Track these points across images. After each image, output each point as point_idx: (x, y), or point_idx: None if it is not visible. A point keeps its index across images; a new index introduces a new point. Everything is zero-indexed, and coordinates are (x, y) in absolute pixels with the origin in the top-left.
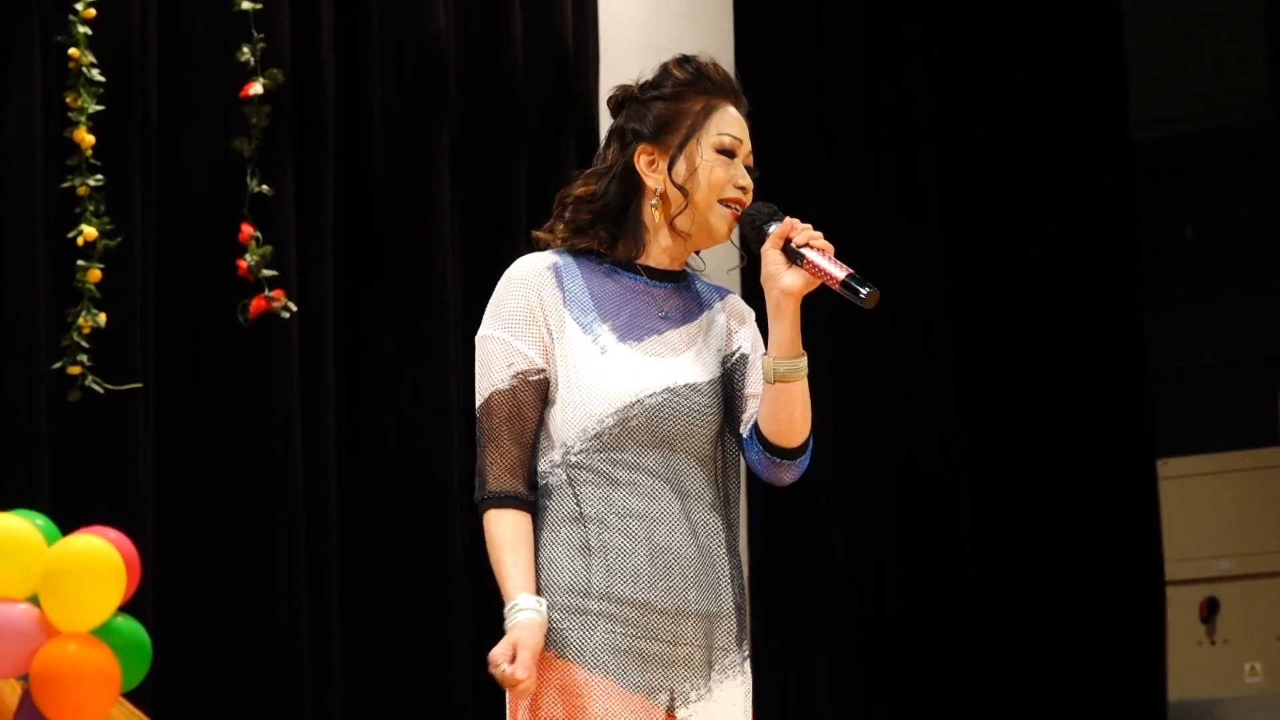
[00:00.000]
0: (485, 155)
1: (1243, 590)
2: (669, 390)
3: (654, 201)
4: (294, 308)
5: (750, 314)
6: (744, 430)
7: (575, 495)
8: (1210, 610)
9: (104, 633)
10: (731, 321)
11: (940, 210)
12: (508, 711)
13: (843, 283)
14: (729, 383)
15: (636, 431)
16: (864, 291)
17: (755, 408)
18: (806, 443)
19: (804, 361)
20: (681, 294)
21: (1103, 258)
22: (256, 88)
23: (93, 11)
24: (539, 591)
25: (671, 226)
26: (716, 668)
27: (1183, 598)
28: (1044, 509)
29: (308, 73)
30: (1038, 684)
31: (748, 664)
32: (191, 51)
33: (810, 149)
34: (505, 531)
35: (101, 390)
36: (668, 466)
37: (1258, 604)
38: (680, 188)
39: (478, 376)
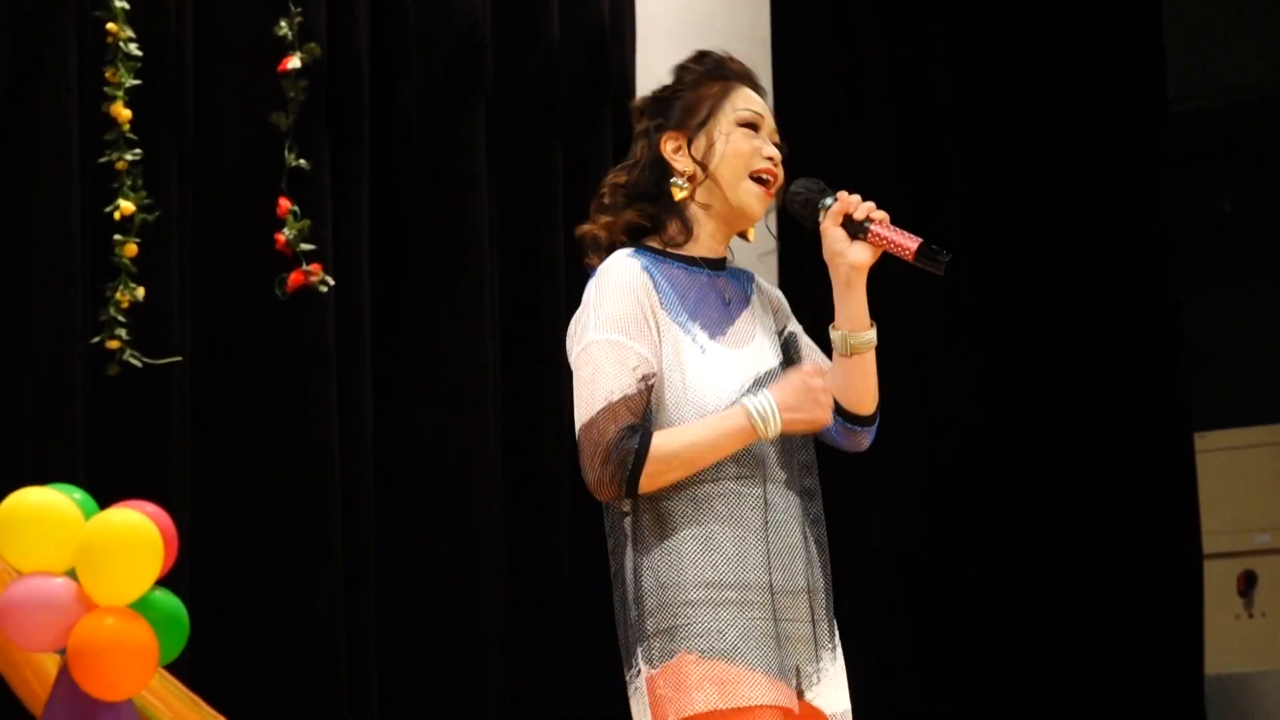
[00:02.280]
0: (521, 131)
1: None
2: (758, 381)
3: (680, 181)
4: (331, 281)
5: (779, 293)
6: None
7: (691, 494)
8: (1248, 583)
9: (141, 606)
10: (771, 300)
11: (978, 186)
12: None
13: (917, 253)
14: (786, 361)
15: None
16: (942, 257)
17: None
18: (878, 408)
19: (874, 333)
20: (730, 281)
21: (1140, 233)
22: (294, 62)
23: None
24: (663, 588)
25: (706, 208)
26: (822, 642)
27: (1220, 571)
28: (1082, 483)
29: (344, 47)
30: (1076, 658)
31: (838, 639)
32: (228, 26)
33: (842, 129)
34: (674, 430)
35: (139, 364)
36: (766, 451)
37: None
38: (701, 163)
39: (591, 381)
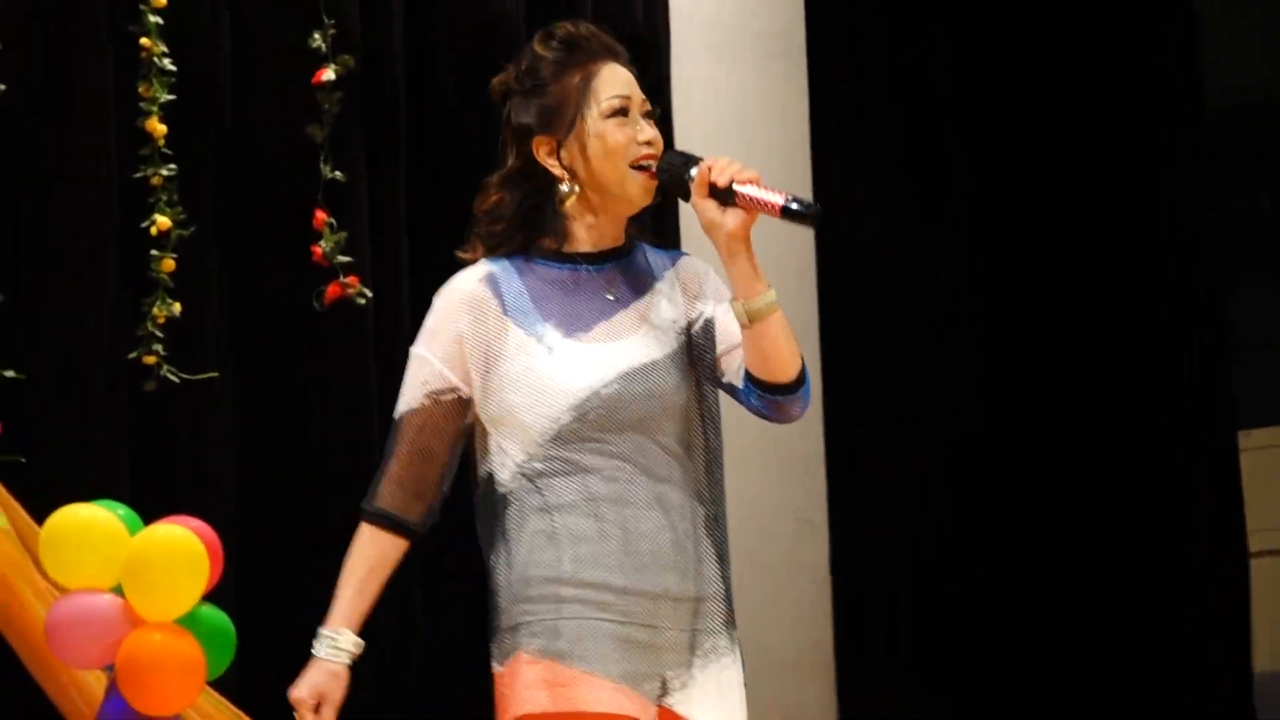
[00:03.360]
0: None
1: None
2: (624, 376)
3: (566, 187)
4: (369, 293)
5: (707, 270)
6: (737, 381)
7: (540, 489)
8: None
9: (188, 621)
10: (688, 283)
11: (1011, 187)
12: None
13: (783, 209)
14: (699, 348)
15: (597, 423)
16: (809, 211)
17: (738, 358)
18: (802, 373)
19: (772, 294)
20: (627, 271)
21: (1182, 229)
22: (328, 74)
23: (163, 1)
24: (511, 584)
25: (590, 206)
26: (698, 652)
27: (1267, 569)
28: (1126, 481)
29: (379, 58)
30: (1125, 658)
31: (737, 646)
32: (262, 39)
33: (884, 123)
34: (368, 553)
35: (177, 380)
36: (637, 450)
37: None
38: (574, 169)
39: (401, 389)
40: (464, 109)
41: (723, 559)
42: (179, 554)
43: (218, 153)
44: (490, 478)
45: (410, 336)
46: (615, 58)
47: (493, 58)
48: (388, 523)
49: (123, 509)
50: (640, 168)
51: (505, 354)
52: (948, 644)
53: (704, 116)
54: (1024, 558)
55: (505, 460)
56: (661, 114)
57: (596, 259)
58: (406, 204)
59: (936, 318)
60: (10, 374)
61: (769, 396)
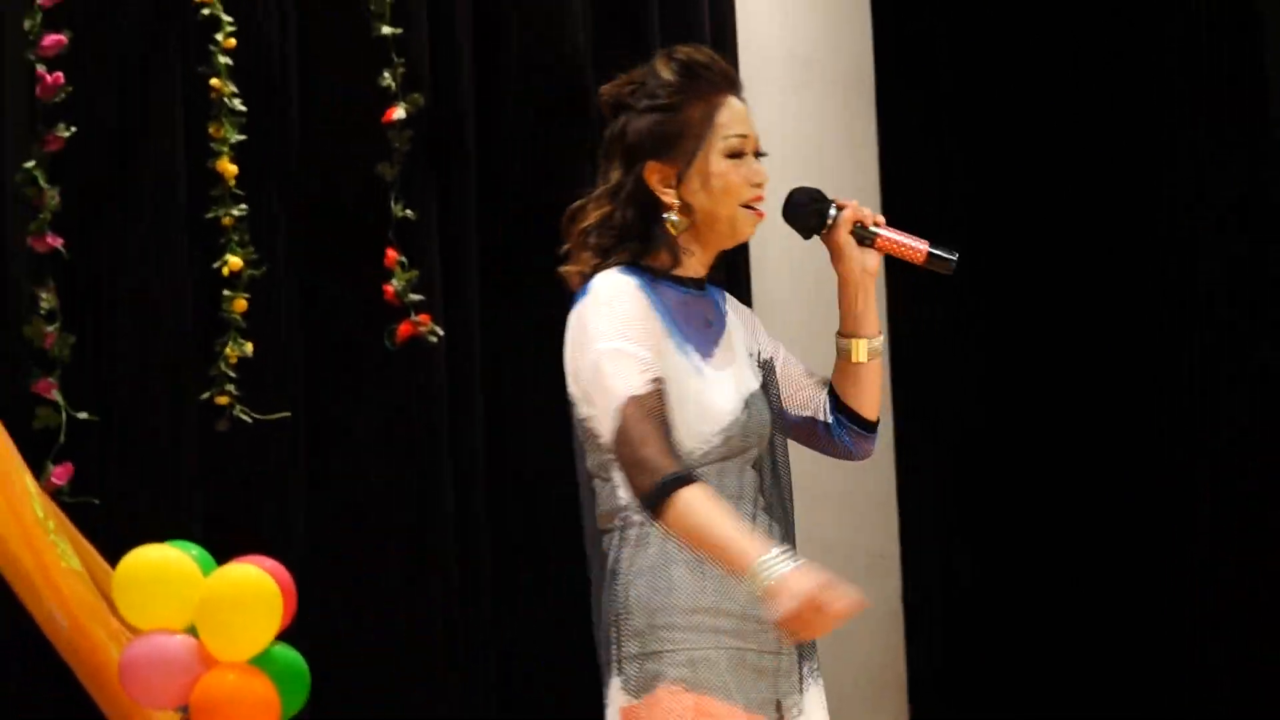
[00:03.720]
0: None
1: None
2: (746, 402)
3: (674, 218)
4: (441, 332)
5: (751, 311)
6: (823, 416)
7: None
8: None
9: (262, 661)
10: (746, 318)
11: (1085, 215)
12: None
13: (929, 255)
14: (769, 380)
15: (729, 448)
16: (952, 258)
17: (819, 393)
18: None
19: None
20: (711, 301)
21: (1235, 316)
22: (399, 112)
23: (233, 41)
24: (647, 610)
25: (697, 236)
26: (806, 675)
27: None
28: (1179, 569)
29: (448, 96)
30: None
31: (818, 671)
32: (332, 78)
33: (954, 155)
34: (710, 503)
35: (250, 420)
36: (743, 476)
37: None
38: (697, 203)
39: (603, 390)
40: (533, 146)
41: None
42: (252, 594)
43: (288, 192)
44: (622, 498)
45: (483, 373)
46: (734, 90)
47: (562, 94)
48: (691, 480)
49: (196, 549)
50: (750, 207)
51: (666, 362)
52: (1016, 668)
53: (772, 147)
54: (1101, 587)
55: None
56: None
57: (699, 285)
58: (477, 242)
59: (1017, 351)
60: (83, 415)
61: (862, 432)
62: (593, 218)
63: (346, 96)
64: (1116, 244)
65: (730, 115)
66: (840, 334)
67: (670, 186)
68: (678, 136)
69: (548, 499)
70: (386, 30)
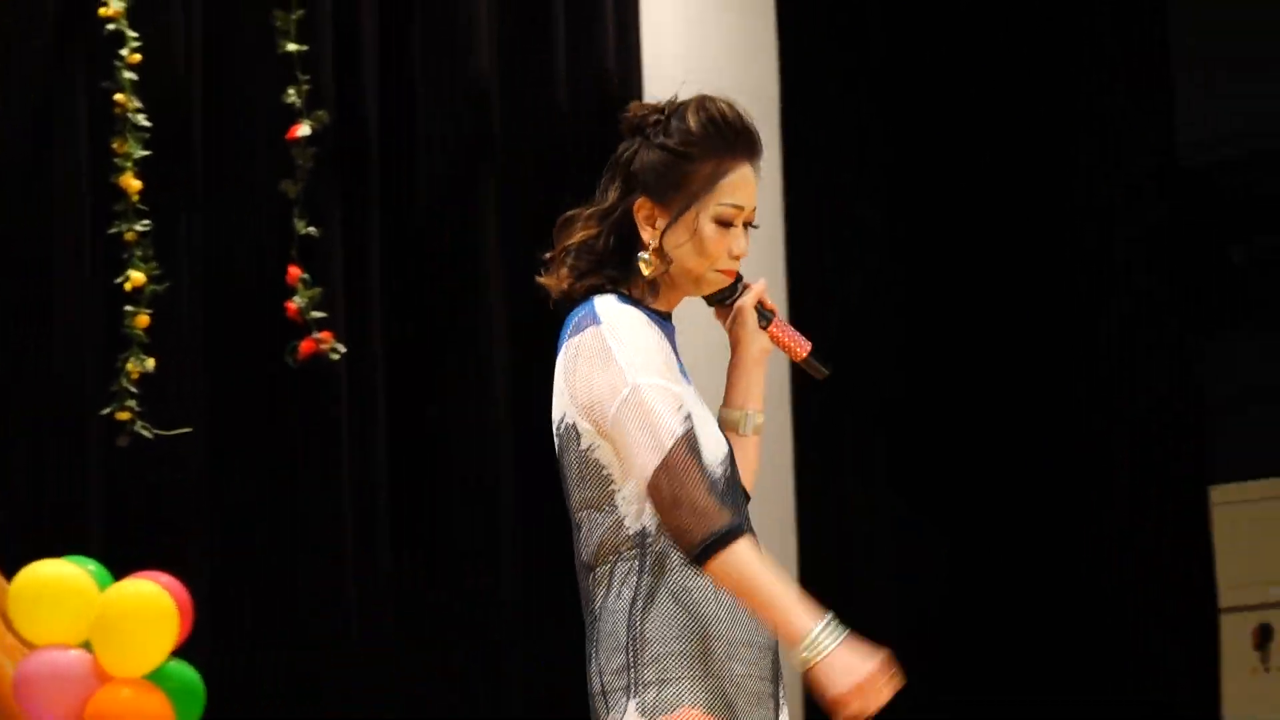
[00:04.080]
0: (530, 193)
1: None
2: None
3: (646, 256)
4: (342, 349)
5: None
6: None
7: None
8: (1264, 637)
9: (157, 678)
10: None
11: (987, 240)
12: None
13: (806, 358)
14: None
15: (729, 474)
16: (825, 370)
17: None
18: None
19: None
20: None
21: (1153, 282)
22: (303, 129)
23: (138, 57)
24: (663, 638)
25: (668, 280)
26: (781, 697)
27: (1236, 625)
28: (1096, 535)
29: (353, 113)
30: (1093, 713)
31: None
32: (237, 94)
33: (857, 184)
34: (762, 560)
35: (151, 435)
36: (739, 500)
37: None
38: (672, 254)
39: (648, 426)
40: (437, 164)
41: None
42: (149, 610)
43: (192, 208)
44: (632, 526)
45: (384, 391)
46: (751, 158)
47: (466, 113)
48: (745, 530)
49: (93, 564)
50: (721, 272)
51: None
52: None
53: None
54: (1000, 616)
55: (651, 507)
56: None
57: (669, 320)
58: (380, 260)
59: (914, 372)
60: None
61: None
62: (578, 236)
63: (251, 113)
64: (1034, 212)
65: (735, 182)
66: (725, 406)
67: (653, 227)
68: (677, 185)
69: (449, 515)
70: (292, 47)
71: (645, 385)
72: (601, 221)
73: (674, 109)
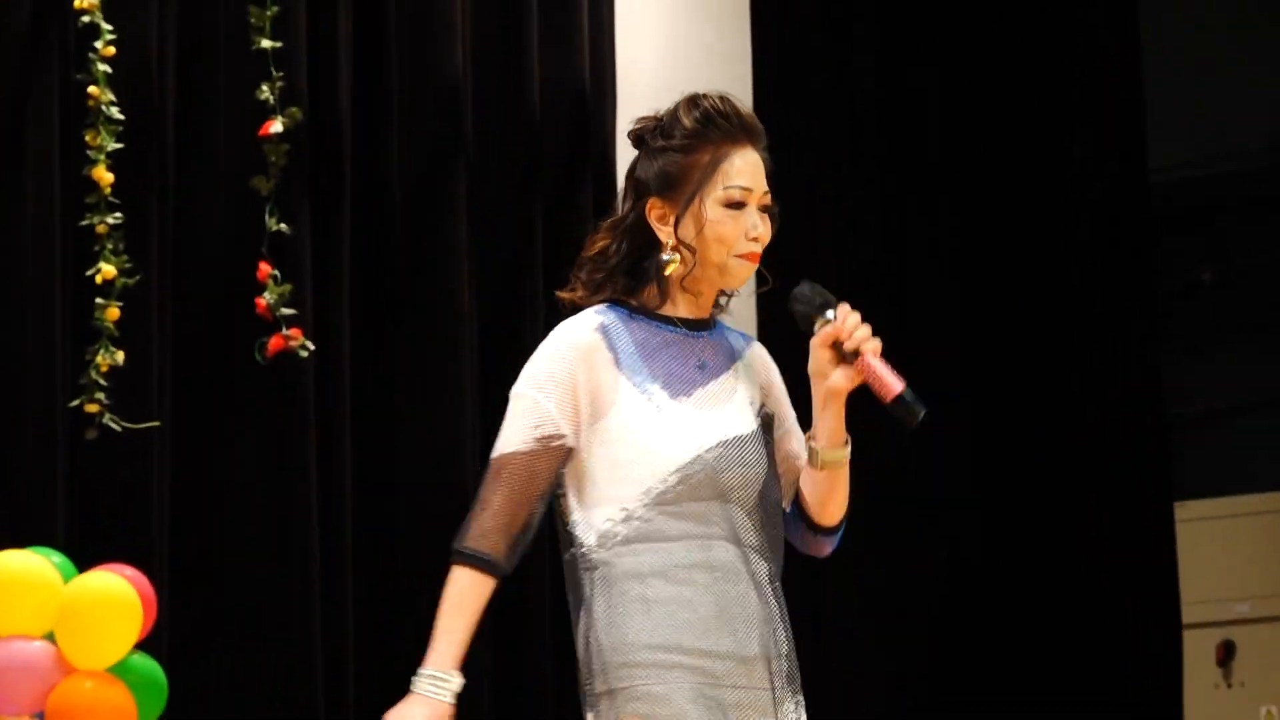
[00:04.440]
0: (502, 195)
1: (1260, 633)
2: (723, 444)
3: (668, 256)
4: (311, 346)
5: (774, 367)
6: (786, 505)
7: (634, 553)
8: (1227, 653)
9: (120, 670)
10: (760, 370)
11: (956, 256)
12: None
13: (897, 398)
14: (765, 434)
15: (697, 487)
16: (917, 412)
17: (792, 476)
18: (845, 518)
19: (849, 450)
20: (714, 343)
21: (1120, 302)
22: (276, 126)
23: (112, 50)
24: (608, 649)
25: (692, 279)
26: (780, 711)
27: (1200, 641)
28: (1061, 551)
29: (326, 112)
30: None
31: (802, 703)
32: (211, 89)
33: (828, 192)
34: (465, 593)
35: (119, 428)
36: (724, 517)
37: (1275, 647)
38: (689, 246)
39: (503, 429)
40: (409, 163)
41: (788, 619)
42: (112, 602)
43: (164, 202)
44: (581, 539)
45: (352, 390)
46: (751, 141)
47: (439, 113)
48: (484, 565)
49: (57, 556)
50: (743, 257)
51: (615, 407)
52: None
53: None
54: (963, 629)
55: (597, 519)
56: (604, 169)
57: (692, 325)
58: (350, 258)
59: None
60: None
61: (812, 534)
62: (594, 248)
63: (225, 108)
64: (1009, 227)
65: (738, 166)
66: (807, 434)
67: (668, 225)
68: (681, 178)
69: (413, 517)
70: (266, 44)
71: (518, 393)
72: (614, 231)
73: (670, 113)
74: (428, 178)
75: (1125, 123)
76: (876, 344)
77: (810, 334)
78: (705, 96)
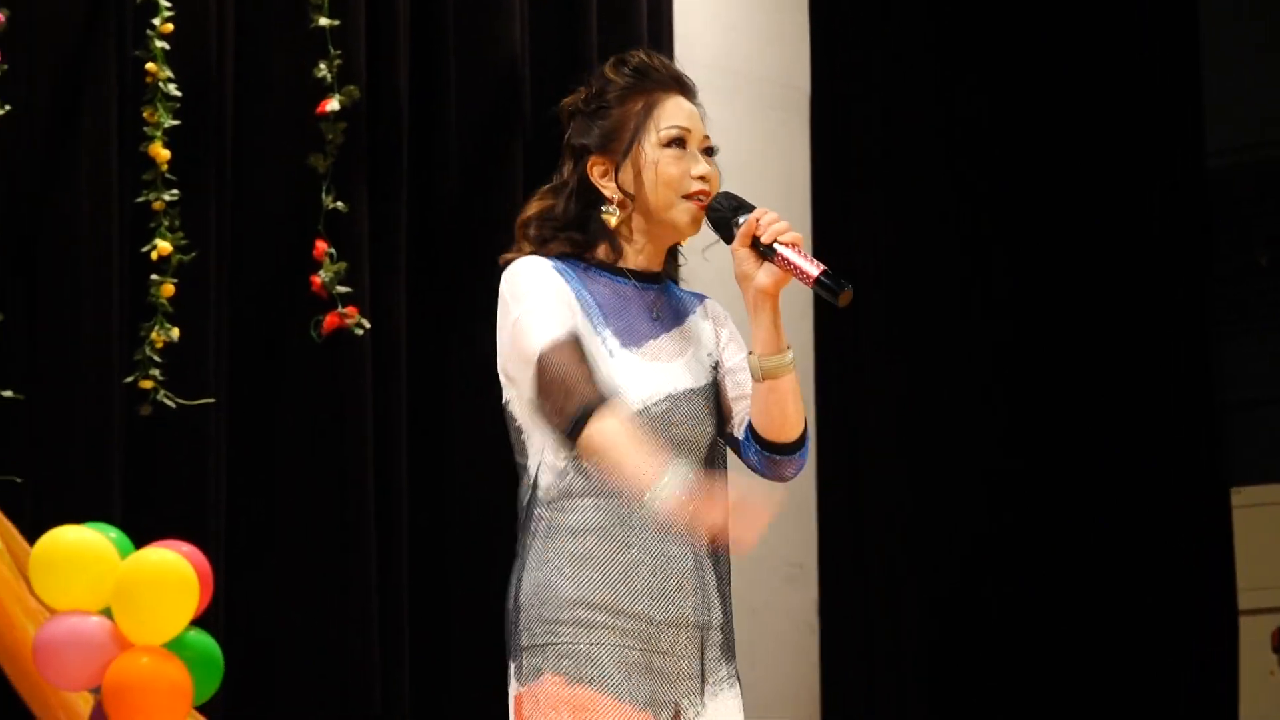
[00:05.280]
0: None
1: None
2: (671, 397)
3: (610, 209)
4: (367, 324)
5: (728, 316)
6: (738, 432)
7: (578, 506)
8: None
9: (176, 646)
10: (714, 326)
11: (1010, 241)
12: None
13: (816, 280)
14: (717, 388)
15: (656, 422)
16: (840, 289)
17: (745, 409)
18: (803, 436)
19: (789, 355)
20: (666, 297)
21: (1176, 285)
22: (333, 104)
23: (170, 26)
24: (536, 604)
25: (640, 229)
26: (710, 680)
27: (1255, 627)
28: (1117, 537)
29: (383, 90)
30: (1112, 714)
31: (736, 677)
32: (268, 67)
33: (882, 173)
34: (621, 430)
35: (173, 405)
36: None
37: None
38: (629, 194)
39: (521, 348)
40: (466, 143)
41: (728, 589)
42: (169, 578)
43: (220, 179)
44: (534, 481)
45: (408, 367)
46: (683, 91)
47: (496, 93)
48: (610, 405)
49: (114, 532)
50: (692, 199)
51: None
52: (936, 692)
53: None
54: (1016, 612)
55: (547, 460)
56: None
57: (644, 279)
58: (406, 237)
59: (935, 369)
60: (8, 394)
61: (766, 454)
62: (533, 209)
63: (282, 86)
64: (1060, 212)
65: (672, 109)
66: (749, 350)
67: (610, 180)
68: (618, 129)
69: (469, 494)
70: (324, 22)
71: (520, 313)
72: (557, 194)
73: (598, 76)
74: (484, 155)
75: (1182, 107)
76: (795, 236)
77: (730, 240)
78: (632, 54)
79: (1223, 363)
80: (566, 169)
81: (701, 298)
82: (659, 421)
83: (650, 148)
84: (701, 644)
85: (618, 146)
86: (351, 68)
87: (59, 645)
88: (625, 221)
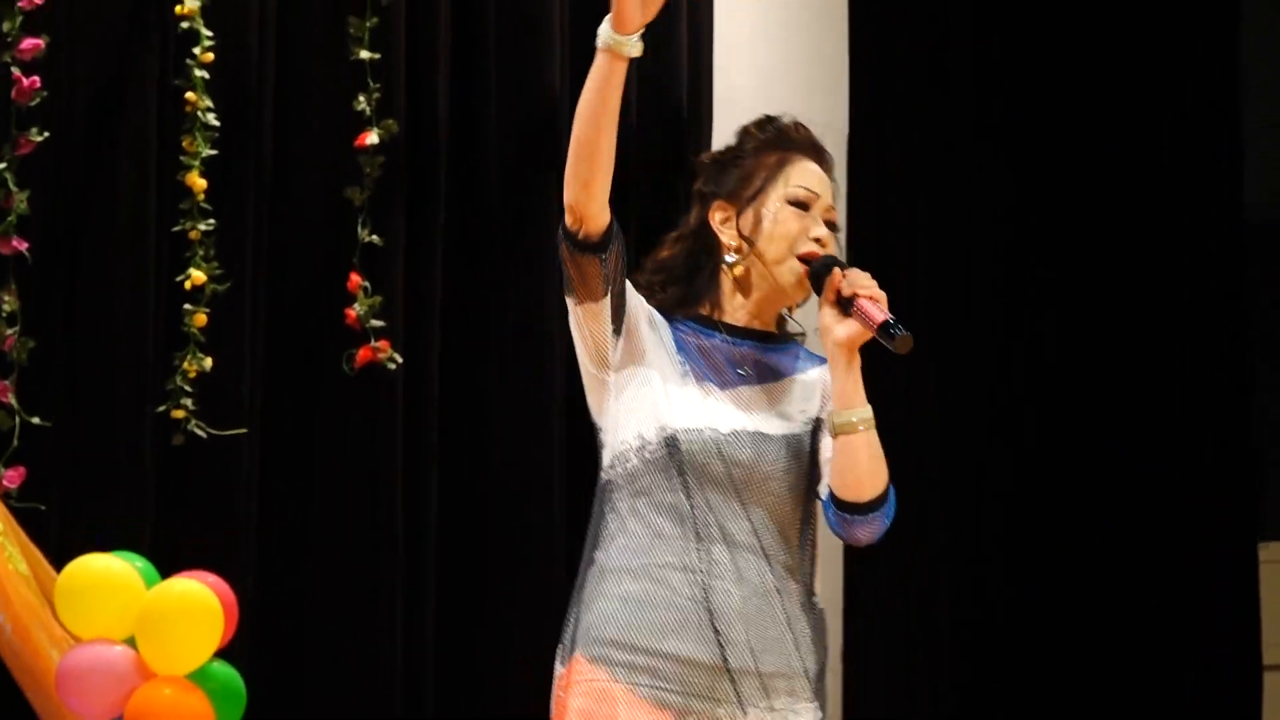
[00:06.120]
0: None
1: None
2: (734, 432)
3: (729, 258)
4: (400, 359)
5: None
6: (822, 493)
7: (627, 531)
8: None
9: (199, 677)
10: (822, 389)
11: (1047, 283)
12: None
13: (879, 327)
14: (811, 446)
15: (679, 458)
16: (897, 335)
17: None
18: (880, 498)
19: (866, 413)
20: (767, 355)
21: (1211, 337)
22: (371, 137)
23: (210, 56)
24: (586, 628)
25: (749, 284)
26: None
27: (1279, 682)
28: (1143, 590)
29: (422, 124)
30: None
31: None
32: (307, 99)
33: (924, 221)
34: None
35: (205, 435)
36: (703, 499)
37: None
38: (747, 239)
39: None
40: (504, 179)
41: (813, 638)
42: (194, 609)
43: (257, 210)
44: (607, 464)
45: (440, 404)
46: (818, 157)
47: (535, 129)
48: None
49: (141, 561)
50: (804, 261)
51: (649, 348)
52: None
53: None
54: (1032, 662)
55: (610, 443)
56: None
57: (739, 334)
58: (442, 272)
59: (962, 422)
60: (37, 420)
61: (840, 513)
62: (659, 256)
63: (321, 118)
64: (1096, 260)
65: (804, 171)
66: None
67: (730, 227)
68: (748, 178)
69: (500, 532)
70: (365, 55)
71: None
72: (677, 241)
73: (740, 132)
74: (523, 192)
75: (1222, 152)
76: (877, 293)
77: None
78: (778, 116)
79: (1255, 416)
80: (692, 216)
81: (815, 361)
82: (704, 448)
83: (775, 200)
84: (762, 689)
85: (744, 194)
86: (391, 101)
87: (82, 673)
88: (744, 274)
